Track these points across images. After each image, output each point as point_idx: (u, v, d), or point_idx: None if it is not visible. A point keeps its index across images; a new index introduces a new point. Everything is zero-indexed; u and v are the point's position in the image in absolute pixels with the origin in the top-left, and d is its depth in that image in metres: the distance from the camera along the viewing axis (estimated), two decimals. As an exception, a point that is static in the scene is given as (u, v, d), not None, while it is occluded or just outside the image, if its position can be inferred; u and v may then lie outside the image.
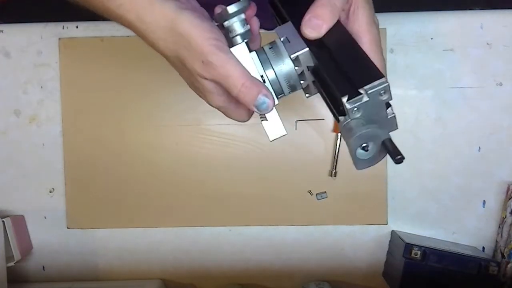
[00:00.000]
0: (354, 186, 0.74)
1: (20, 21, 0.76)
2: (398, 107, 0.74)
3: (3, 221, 0.70)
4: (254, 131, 0.75)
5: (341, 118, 0.38)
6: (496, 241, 0.74)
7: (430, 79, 0.74)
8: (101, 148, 0.76)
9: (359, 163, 0.39)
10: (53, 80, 0.76)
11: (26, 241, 0.77)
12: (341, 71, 0.37)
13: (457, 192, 0.75)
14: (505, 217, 0.72)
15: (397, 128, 0.40)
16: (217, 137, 0.75)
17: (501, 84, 0.73)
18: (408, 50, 0.74)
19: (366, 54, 0.39)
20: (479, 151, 0.74)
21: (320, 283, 0.74)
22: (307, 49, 0.40)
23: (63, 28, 0.76)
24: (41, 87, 0.76)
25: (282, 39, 0.42)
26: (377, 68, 0.37)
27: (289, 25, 0.42)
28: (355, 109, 0.36)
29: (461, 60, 0.73)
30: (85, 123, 0.76)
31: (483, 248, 0.75)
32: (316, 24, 0.40)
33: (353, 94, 0.35)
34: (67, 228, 0.77)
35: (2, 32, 0.76)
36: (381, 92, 0.36)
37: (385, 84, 0.35)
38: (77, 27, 0.76)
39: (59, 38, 0.75)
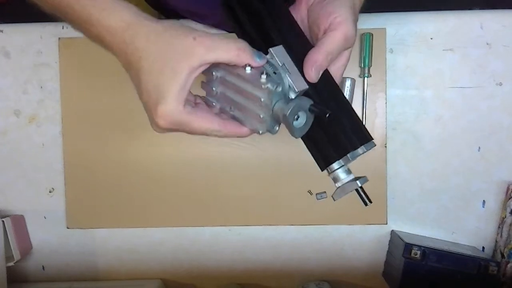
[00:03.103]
0: (354, 186, 0.74)
1: (20, 21, 0.76)
2: (398, 107, 0.74)
3: (3, 221, 0.70)
4: (254, 131, 0.75)
5: (334, 164, 0.46)
6: (496, 241, 0.74)
7: (430, 79, 0.74)
8: (100, 148, 0.76)
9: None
10: (53, 80, 0.76)
11: (26, 241, 0.77)
12: (340, 125, 0.45)
13: (457, 192, 0.75)
14: (505, 217, 0.72)
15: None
16: (217, 137, 0.75)
17: (500, 84, 0.73)
18: (408, 50, 0.74)
19: (352, 107, 0.47)
20: (478, 151, 0.74)
21: (319, 283, 0.74)
22: (307, 87, 0.44)
23: (62, 28, 0.76)
24: (41, 87, 0.76)
25: (281, 64, 0.44)
26: (366, 129, 0.47)
27: (281, 49, 0.45)
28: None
29: (461, 60, 0.73)
30: (85, 123, 0.76)
31: (483, 248, 0.75)
32: (319, 71, 0.44)
33: (354, 149, 0.45)
34: (67, 228, 0.77)
35: (2, 32, 0.76)
36: (368, 149, 0.46)
37: (374, 146, 0.46)
38: (77, 27, 0.76)
39: (59, 38, 0.75)
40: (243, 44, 0.42)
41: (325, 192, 0.75)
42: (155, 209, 0.76)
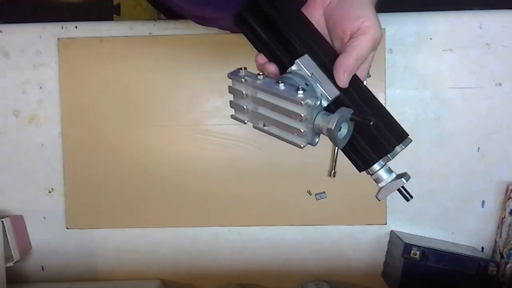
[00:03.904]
0: (353, 186, 0.74)
1: (19, 21, 0.76)
2: (398, 107, 0.74)
3: (2, 221, 0.70)
4: (254, 132, 0.74)
5: (375, 166, 0.46)
6: (495, 241, 0.74)
7: (429, 79, 0.74)
8: (100, 148, 0.76)
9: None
10: (52, 80, 0.76)
11: (25, 241, 0.77)
12: (377, 126, 0.45)
13: (456, 192, 0.75)
14: (504, 217, 0.72)
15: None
16: (217, 137, 0.75)
17: (500, 84, 0.73)
18: (407, 50, 0.74)
19: (383, 106, 0.48)
20: (478, 151, 0.74)
21: (319, 283, 0.74)
22: (339, 93, 0.45)
23: (62, 29, 0.76)
24: (40, 87, 0.76)
25: (310, 74, 0.44)
26: (400, 126, 0.47)
27: (307, 58, 0.45)
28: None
29: (460, 60, 0.73)
30: (84, 123, 0.76)
31: (482, 248, 0.75)
32: (349, 76, 0.44)
33: (393, 149, 0.46)
34: (66, 228, 0.77)
35: (1, 32, 0.76)
36: (406, 146, 0.46)
37: (411, 141, 0.46)
38: (76, 27, 0.76)
39: (58, 38, 0.75)
40: None
41: (324, 192, 0.75)
42: (155, 209, 0.76)
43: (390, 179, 0.46)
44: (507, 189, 0.73)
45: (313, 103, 0.41)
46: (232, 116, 0.47)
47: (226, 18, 0.47)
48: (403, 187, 0.47)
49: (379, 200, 0.47)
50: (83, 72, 0.75)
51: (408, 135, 0.46)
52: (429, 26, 0.73)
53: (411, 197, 0.47)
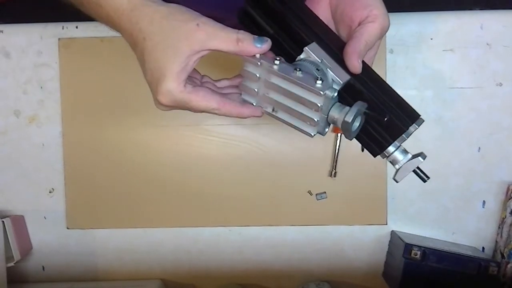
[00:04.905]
0: (354, 186, 0.74)
1: (20, 21, 0.76)
2: (398, 107, 0.74)
3: (3, 221, 0.70)
4: (254, 132, 0.75)
5: (390, 148, 0.46)
6: (496, 241, 0.74)
7: (430, 79, 0.74)
8: (100, 148, 0.76)
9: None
10: (53, 80, 0.76)
11: (26, 241, 0.77)
12: (390, 107, 0.46)
13: (457, 192, 0.75)
14: (505, 217, 0.72)
15: None
16: (217, 137, 0.75)
17: (501, 85, 0.73)
18: (408, 50, 0.74)
19: (392, 88, 0.48)
20: (479, 151, 0.74)
21: (319, 283, 0.74)
22: (350, 77, 0.45)
23: (63, 29, 0.76)
24: (41, 87, 0.76)
25: (320, 60, 0.45)
26: (412, 108, 0.47)
27: (315, 45, 0.45)
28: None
29: (461, 60, 0.73)
30: (85, 123, 0.76)
31: (483, 248, 0.75)
32: (360, 62, 0.44)
33: (408, 129, 0.46)
34: (67, 228, 0.77)
35: (2, 32, 0.76)
36: (419, 126, 0.47)
37: (423, 121, 0.47)
38: (77, 27, 0.76)
39: (59, 39, 0.75)
40: (242, 35, 0.42)
41: (325, 192, 0.75)
42: (155, 209, 0.76)
43: (406, 160, 0.46)
44: (507, 189, 0.73)
45: (332, 95, 0.41)
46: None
47: (233, 18, 0.47)
48: (418, 167, 0.46)
49: (396, 182, 0.47)
50: (83, 72, 0.75)
51: (420, 115, 0.46)
52: (429, 26, 0.73)
53: (428, 177, 0.46)
